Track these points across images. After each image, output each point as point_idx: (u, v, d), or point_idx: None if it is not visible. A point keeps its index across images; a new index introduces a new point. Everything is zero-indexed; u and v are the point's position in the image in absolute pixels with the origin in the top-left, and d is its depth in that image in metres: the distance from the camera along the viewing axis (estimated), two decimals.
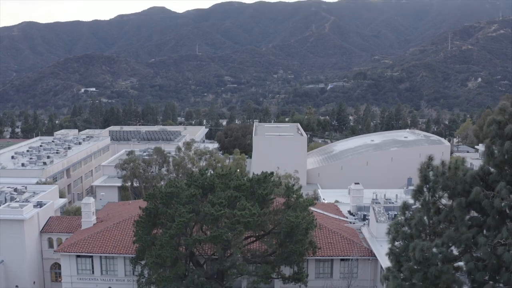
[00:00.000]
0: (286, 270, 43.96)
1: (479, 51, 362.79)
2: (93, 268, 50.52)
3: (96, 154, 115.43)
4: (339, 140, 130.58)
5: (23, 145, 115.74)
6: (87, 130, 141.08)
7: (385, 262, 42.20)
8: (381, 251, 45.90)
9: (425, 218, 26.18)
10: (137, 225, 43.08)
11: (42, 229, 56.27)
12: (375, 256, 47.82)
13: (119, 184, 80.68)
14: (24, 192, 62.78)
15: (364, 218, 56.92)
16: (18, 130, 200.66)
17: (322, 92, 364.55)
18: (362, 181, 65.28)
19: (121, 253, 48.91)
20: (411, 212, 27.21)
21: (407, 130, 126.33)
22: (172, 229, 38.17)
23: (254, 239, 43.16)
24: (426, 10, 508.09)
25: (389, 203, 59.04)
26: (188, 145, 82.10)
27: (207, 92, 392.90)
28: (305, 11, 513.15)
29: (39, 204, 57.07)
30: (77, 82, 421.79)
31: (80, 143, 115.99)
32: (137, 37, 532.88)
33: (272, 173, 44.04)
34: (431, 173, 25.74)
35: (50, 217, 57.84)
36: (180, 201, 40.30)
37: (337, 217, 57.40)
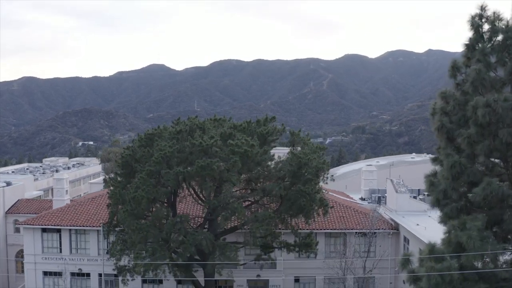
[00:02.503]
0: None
1: None
2: (60, 246, 42.78)
3: (85, 179, 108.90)
4: (342, 165, 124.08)
5: (8, 168, 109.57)
6: (77, 158, 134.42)
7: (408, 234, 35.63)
8: (404, 223, 38.76)
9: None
10: (111, 182, 36.03)
11: (8, 210, 48.75)
12: (396, 229, 40.56)
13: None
14: None
15: (379, 200, 49.72)
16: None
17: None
18: None
19: (94, 226, 41.35)
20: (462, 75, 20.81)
21: (413, 154, 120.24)
22: (150, 164, 31.15)
23: (253, 201, 36.15)
24: (423, 68, 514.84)
25: None
26: None
27: None
28: (303, 69, 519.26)
29: (7, 183, 49.87)
30: (75, 135, 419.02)
31: (69, 168, 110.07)
32: (136, 93, 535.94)
33: (274, 117, 37.51)
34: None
35: (18, 200, 50.43)
36: (163, 139, 33.54)
37: (349, 200, 50.26)
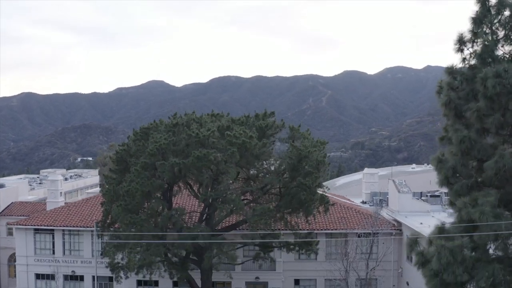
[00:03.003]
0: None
1: None
2: (54, 247, 41.60)
3: (83, 190, 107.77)
4: (341, 176, 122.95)
5: (4, 179, 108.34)
6: (75, 170, 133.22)
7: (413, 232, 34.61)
8: (408, 222, 37.71)
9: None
10: (106, 180, 35.01)
11: (1, 212, 47.58)
12: (399, 230, 39.47)
13: None
14: None
15: (381, 203, 48.60)
16: None
17: None
18: None
19: (88, 227, 40.20)
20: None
21: (413, 164, 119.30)
22: (145, 157, 30.15)
23: (252, 198, 35.11)
24: (422, 84, 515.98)
25: None
26: None
27: None
28: (302, 85, 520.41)
29: (0, 185, 48.79)
30: (74, 151, 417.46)
31: (66, 179, 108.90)
32: (136, 109, 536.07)
33: (273, 112, 36.64)
34: None
35: (12, 202, 49.26)
36: (159, 132, 32.59)
37: (350, 202, 49.17)
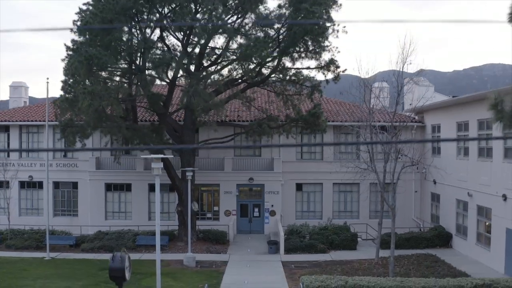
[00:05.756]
0: None
1: None
2: (8, 146, 34.87)
3: None
4: None
5: None
6: None
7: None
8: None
9: None
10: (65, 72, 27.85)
11: None
12: (421, 122, 32.94)
13: None
14: None
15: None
16: None
17: None
18: None
19: (50, 121, 33.33)
20: None
21: None
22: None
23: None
24: None
25: None
26: None
27: None
28: None
29: None
30: None
31: None
32: None
33: None
34: None
35: None
36: None
37: None
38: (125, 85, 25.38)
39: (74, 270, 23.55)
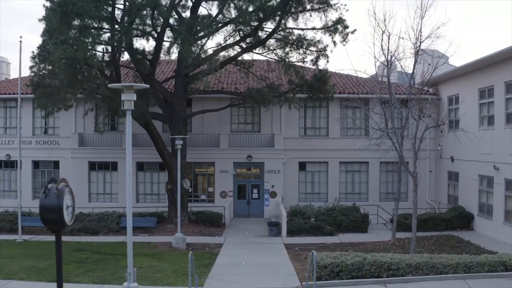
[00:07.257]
0: None
1: None
2: None
3: None
4: None
5: None
6: None
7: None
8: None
9: None
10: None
11: None
12: (436, 94, 30.01)
13: None
14: None
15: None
16: None
17: None
18: None
19: (29, 94, 30.46)
20: None
21: None
22: None
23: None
24: None
25: None
26: None
27: None
28: None
29: None
30: None
31: None
32: None
33: None
34: None
35: None
36: None
37: None
38: (106, 36, 22.43)
39: (45, 251, 20.56)
